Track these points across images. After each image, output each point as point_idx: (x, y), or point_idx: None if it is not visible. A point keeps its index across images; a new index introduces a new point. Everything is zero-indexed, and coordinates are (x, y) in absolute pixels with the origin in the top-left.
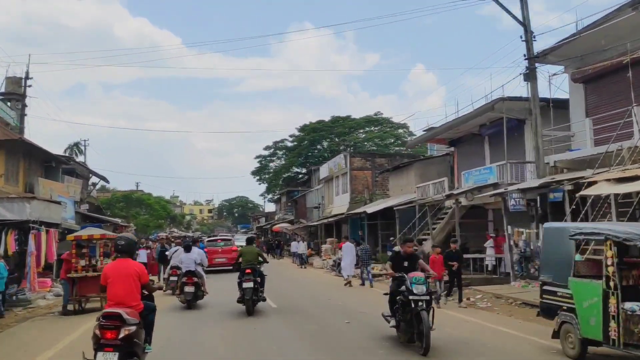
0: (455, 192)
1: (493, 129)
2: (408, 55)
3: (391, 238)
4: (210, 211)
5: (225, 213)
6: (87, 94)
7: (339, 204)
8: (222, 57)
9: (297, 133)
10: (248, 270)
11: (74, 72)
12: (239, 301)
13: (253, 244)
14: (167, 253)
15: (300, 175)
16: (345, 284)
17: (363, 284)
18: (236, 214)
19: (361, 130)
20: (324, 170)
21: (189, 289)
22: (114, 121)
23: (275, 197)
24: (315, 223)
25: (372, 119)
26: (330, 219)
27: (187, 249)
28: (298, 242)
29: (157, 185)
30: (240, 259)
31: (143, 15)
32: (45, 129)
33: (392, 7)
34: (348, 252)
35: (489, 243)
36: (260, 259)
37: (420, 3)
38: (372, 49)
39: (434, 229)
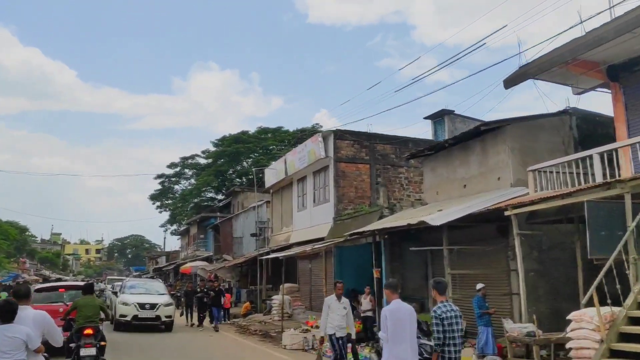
0: None
1: None
2: (311, 100)
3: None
4: (98, 251)
5: (116, 254)
6: None
7: (307, 223)
8: (120, 92)
9: (212, 148)
10: (89, 330)
11: None
12: None
13: (93, 292)
14: None
15: (215, 202)
16: None
17: None
18: (129, 255)
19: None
20: (270, 175)
21: None
22: None
23: (183, 227)
24: (249, 257)
25: (313, 131)
26: (286, 252)
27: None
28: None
29: (39, 224)
30: (74, 315)
31: (35, 45)
32: None
33: (296, 52)
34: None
35: None
36: (102, 314)
37: (322, 51)
38: (277, 92)
39: None
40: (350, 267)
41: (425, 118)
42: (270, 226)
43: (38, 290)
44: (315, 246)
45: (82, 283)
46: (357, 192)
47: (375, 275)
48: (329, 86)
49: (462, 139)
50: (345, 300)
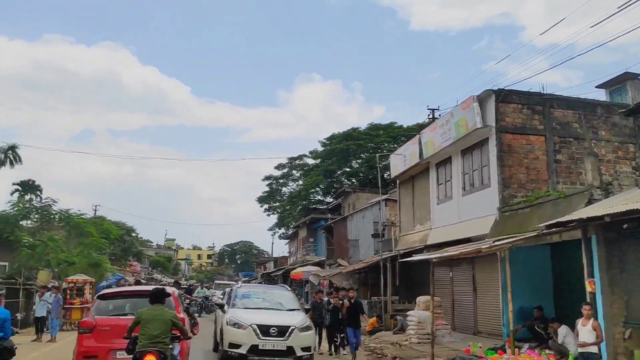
0: None
1: None
2: (415, 108)
3: None
4: (209, 257)
5: (226, 259)
6: (95, 140)
7: (453, 218)
8: (230, 106)
9: (319, 149)
10: (150, 357)
11: (82, 117)
12: None
13: (163, 301)
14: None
15: (323, 205)
16: None
17: None
18: (239, 261)
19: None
20: (397, 162)
21: None
22: (120, 167)
23: (291, 230)
24: (371, 261)
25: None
26: (438, 253)
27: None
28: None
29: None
30: (137, 333)
31: (152, 64)
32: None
33: (398, 60)
34: None
35: None
36: (174, 333)
37: (426, 58)
38: (379, 100)
39: None
40: (521, 276)
41: (598, 87)
42: (398, 225)
43: (103, 297)
44: (497, 243)
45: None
46: (528, 173)
47: (589, 288)
48: (433, 93)
49: None
50: None
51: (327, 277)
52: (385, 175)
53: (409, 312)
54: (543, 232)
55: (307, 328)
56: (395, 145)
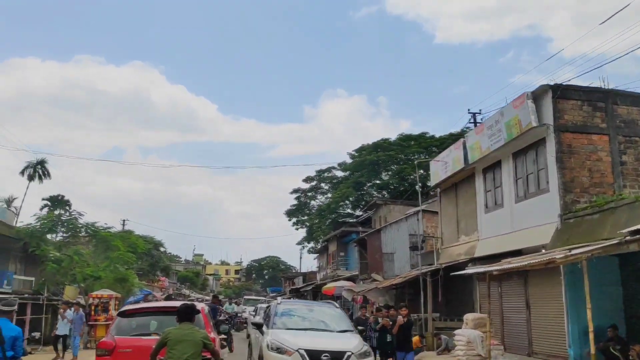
0: None
1: None
2: (441, 122)
3: None
4: (237, 272)
5: (254, 275)
6: (125, 157)
7: (504, 228)
8: (256, 123)
9: (348, 160)
10: None
11: (112, 135)
12: None
13: (192, 319)
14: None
15: (352, 218)
16: None
17: None
18: (266, 276)
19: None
20: (438, 170)
21: None
22: (148, 183)
23: (320, 245)
24: (410, 276)
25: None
26: (498, 265)
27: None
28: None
29: (181, 244)
30: (164, 357)
31: (180, 83)
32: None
33: (423, 73)
34: None
35: None
36: (205, 355)
37: (451, 71)
38: (405, 115)
39: None
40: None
41: None
42: (439, 236)
43: (125, 314)
44: (575, 252)
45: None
46: (592, 176)
47: None
48: (460, 106)
49: None
50: None
51: (361, 292)
52: (417, 187)
53: (456, 331)
54: (627, 240)
55: (365, 354)
56: (427, 157)
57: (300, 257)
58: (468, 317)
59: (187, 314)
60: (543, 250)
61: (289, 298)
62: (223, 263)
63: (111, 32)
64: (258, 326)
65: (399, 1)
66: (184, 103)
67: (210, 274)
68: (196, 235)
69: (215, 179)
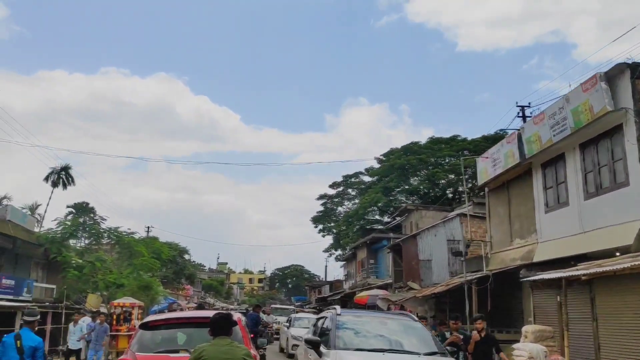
0: None
1: None
2: (464, 129)
3: None
4: (260, 281)
5: (277, 283)
6: (150, 167)
7: (571, 228)
8: (278, 132)
9: (375, 165)
10: None
11: (137, 146)
12: None
13: (230, 332)
14: None
15: (379, 226)
16: None
17: None
18: (290, 285)
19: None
20: (487, 167)
21: None
22: (173, 193)
23: (348, 252)
24: (454, 283)
25: (499, 136)
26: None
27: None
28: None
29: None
30: None
31: (203, 93)
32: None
33: (445, 81)
34: None
35: None
36: None
37: (474, 78)
38: (427, 123)
39: None
40: None
41: None
42: (488, 240)
43: (147, 326)
44: None
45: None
46: None
47: None
48: (483, 113)
49: None
50: None
51: (399, 301)
52: (462, 189)
53: (515, 345)
54: None
55: None
56: (458, 163)
57: (326, 266)
58: (527, 329)
59: (223, 326)
60: (617, 254)
61: (316, 307)
62: (246, 272)
63: (136, 44)
64: (314, 345)
65: (420, 10)
66: (208, 113)
67: (235, 283)
68: (220, 242)
69: (238, 189)
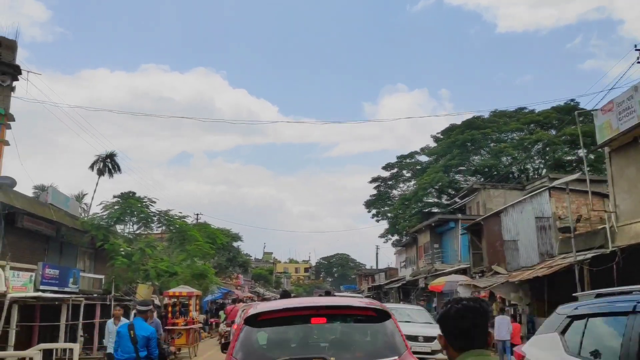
0: None
1: None
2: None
3: None
4: (306, 270)
5: (323, 273)
6: (193, 161)
7: None
8: (316, 122)
9: (432, 144)
10: None
11: (179, 141)
12: None
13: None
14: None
15: (437, 209)
16: None
17: None
18: (335, 274)
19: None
20: (610, 121)
21: None
22: (215, 186)
23: (407, 237)
24: (562, 265)
25: (570, 107)
26: None
27: None
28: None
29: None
30: None
31: (242, 87)
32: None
33: (486, 64)
34: None
35: None
36: None
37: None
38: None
39: None
40: None
41: None
42: (613, 210)
43: (255, 321)
44: None
45: (371, 304)
46: None
47: None
48: (526, 96)
49: None
50: None
51: (488, 287)
52: (581, 152)
53: None
54: None
55: None
56: (528, 136)
57: (377, 253)
58: None
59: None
60: None
61: (369, 296)
62: (291, 261)
63: (174, 40)
64: None
65: None
66: (246, 106)
67: (281, 272)
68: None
69: (278, 180)
